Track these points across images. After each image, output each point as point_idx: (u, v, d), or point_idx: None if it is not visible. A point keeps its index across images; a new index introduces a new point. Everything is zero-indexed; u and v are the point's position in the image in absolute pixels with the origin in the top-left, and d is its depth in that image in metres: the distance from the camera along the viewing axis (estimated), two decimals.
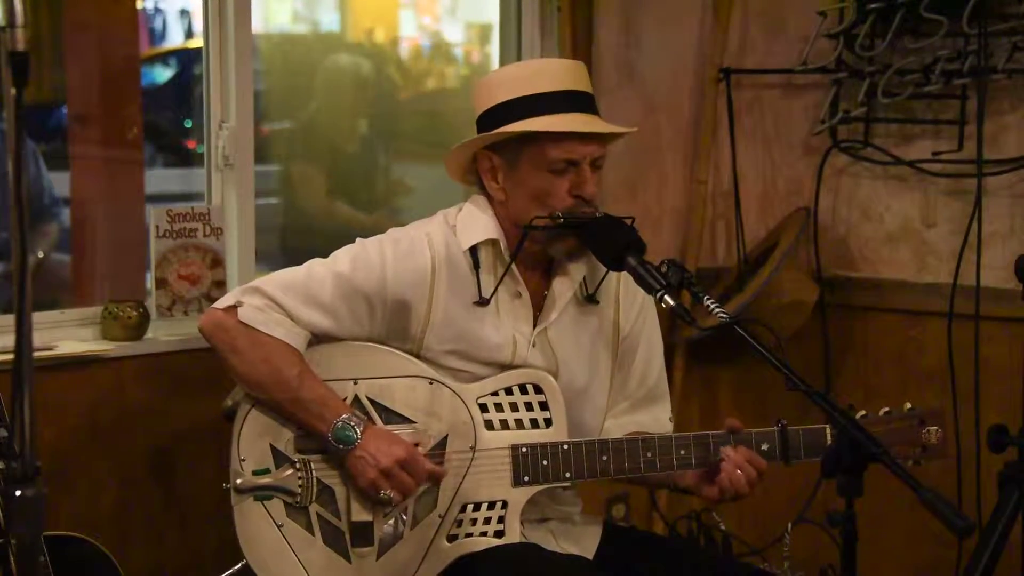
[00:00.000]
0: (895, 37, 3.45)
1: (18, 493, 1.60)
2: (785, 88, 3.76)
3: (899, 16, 3.41)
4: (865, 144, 3.61)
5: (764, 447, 2.41)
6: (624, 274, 2.42)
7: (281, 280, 2.43)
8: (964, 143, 3.46)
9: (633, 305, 2.55)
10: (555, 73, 2.44)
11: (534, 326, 2.47)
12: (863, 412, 2.42)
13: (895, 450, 2.38)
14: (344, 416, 2.36)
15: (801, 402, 2.25)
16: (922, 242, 3.59)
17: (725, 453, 2.38)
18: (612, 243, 2.37)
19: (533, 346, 2.46)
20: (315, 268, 2.44)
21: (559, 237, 2.42)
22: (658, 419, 2.59)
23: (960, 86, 3.43)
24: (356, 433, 2.35)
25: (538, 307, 2.49)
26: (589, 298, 2.51)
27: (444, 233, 2.46)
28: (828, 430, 2.40)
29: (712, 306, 2.26)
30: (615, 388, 2.57)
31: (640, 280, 2.32)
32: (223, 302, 2.43)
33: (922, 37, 3.43)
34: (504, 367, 2.44)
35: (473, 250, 2.45)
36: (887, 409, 2.44)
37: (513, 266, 2.44)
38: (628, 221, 2.40)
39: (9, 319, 2.71)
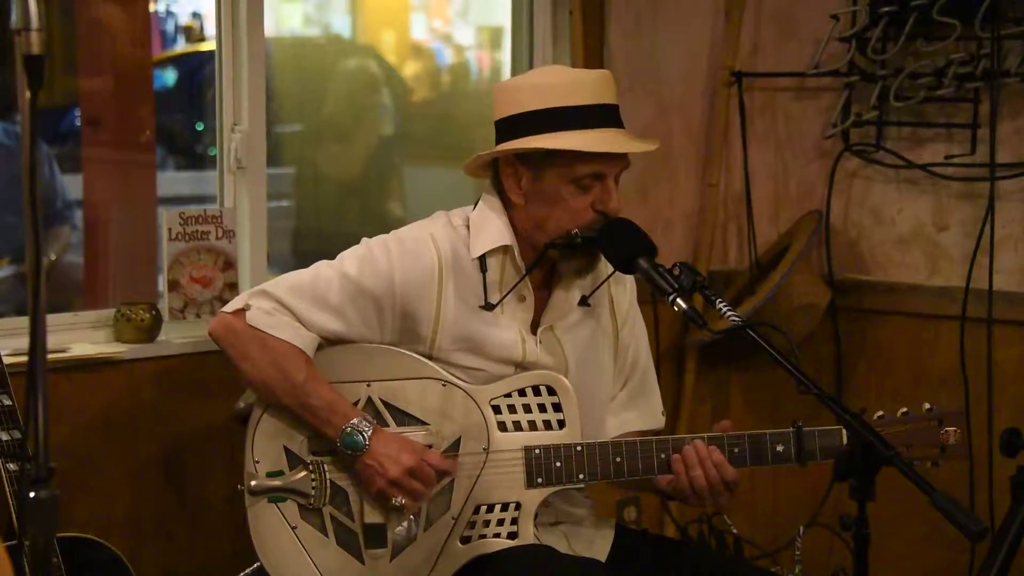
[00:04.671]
0: (907, 40, 3.44)
1: (32, 495, 1.60)
2: (797, 91, 3.75)
3: (912, 19, 3.41)
4: (877, 147, 3.60)
5: (779, 448, 2.40)
6: (613, 272, 2.43)
7: (289, 283, 2.43)
8: (977, 146, 3.46)
9: (624, 302, 2.57)
10: (585, 85, 2.42)
11: (537, 327, 2.48)
12: (880, 413, 2.41)
13: (913, 451, 2.38)
14: (353, 421, 2.36)
15: (813, 405, 2.25)
16: (934, 245, 3.59)
17: (688, 447, 2.37)
18: (624, 246, 2.37)
19: (540, 344, 2.46)
20: (322, 270, 2.44)
21: (573, 255, 2.42)
22: (653, 412, 2.61)
23: (973, 89, 3.43)
24: (364, 438, 2.35)
25: (540, 309, 2.49)
26: (584, 301, 2.51)
27: (449, 235, 2.46)
28: (843, 431, 2.39)
29: (724, 309, 2.25)
30: (613, 379, 2.58)
31: (652, 283, 2.32)
32: (232, 306, 2.44)
33: (935, 40, 3.42)
34: (516, 364, 2.45)
35: (482, 256, 2.45)
36: (905, 410, 2.42)
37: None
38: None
39: (23, 321, 2.73)
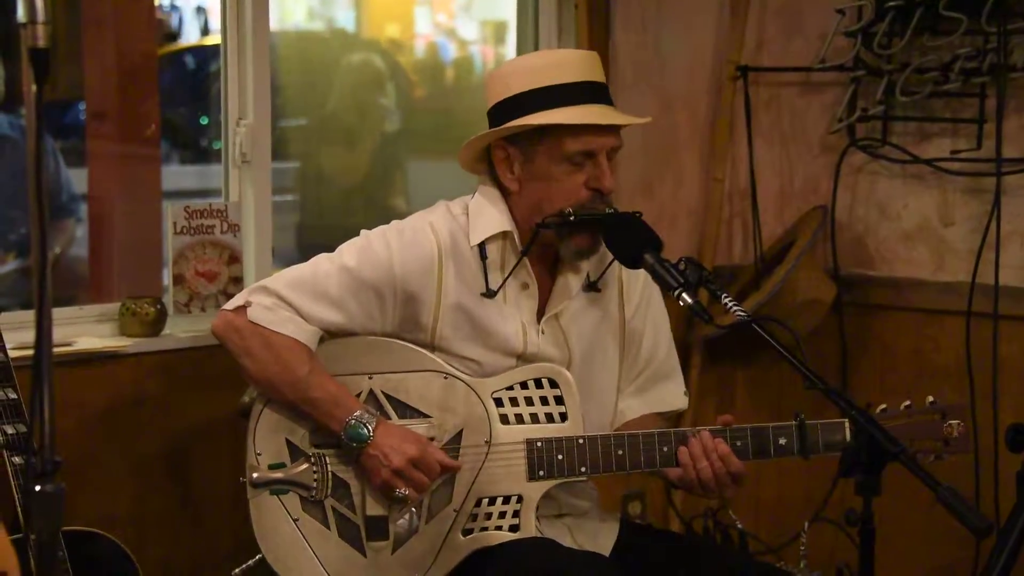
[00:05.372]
0: (914, 35, 3.43)
1: (37, 488, 1.60)
2: (802, 86, 3.75)
3: (918, 14, 3.40)
4: (883, 142, 3.59)
5: (782, 441, 2.40)
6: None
7: (288, 278, 2.43)
8: (983, 141, 3.45)
9: (635, 289, 2.56)
10: (571, 64, 2.44)
11: (540, 315, 2.47)
12: (883, 406, 2.40)
13: (917, 445, 2.37)
14: (356, 413, 2.36)
15: (818, 400, 2.24)
16: (940, 241, 3.58)
17: (694, 440, 2.37)
18: (630, 240, 2.37)
19: (542, 333, 2.46)
20: (321, 264, 2.44)
21: (571, 235, 2.42)
22: (670, 396, 2.61)
23: (979, 84, 3.42)
24: (368, 430, 2.35)
25: (544, 298, 2.49)
26: (593, 286, 2.51)
27: (448, 223, 2.46)
28: (847, 424, 2.39)
29: (730, 304, 2.25)
30: (624, 369, 2.57)
31: (658, 278, 2.32)
32: (232, 303, 2.44)
33: (941, 35, 3.41)
34: (518, 355, 2.45)
35: (481, 243, 2.45)
36: (908, 403, 2.42)
37: (524, 259, 2.44)
38: (636, 215, 2.41)
39: (28, 315, 2.73)
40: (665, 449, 2.40)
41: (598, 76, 2.45)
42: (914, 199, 3.61)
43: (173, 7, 6.01)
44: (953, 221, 3.56)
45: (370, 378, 2.43)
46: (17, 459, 2.44)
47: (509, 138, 2.43)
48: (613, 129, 2.41)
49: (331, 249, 2.49)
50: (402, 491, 2.36)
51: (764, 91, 3.78)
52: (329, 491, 2.41)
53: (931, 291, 3.57)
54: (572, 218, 2.39)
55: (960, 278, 3.51)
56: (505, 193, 2.47)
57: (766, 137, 3.79)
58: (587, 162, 2.39)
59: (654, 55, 3.73)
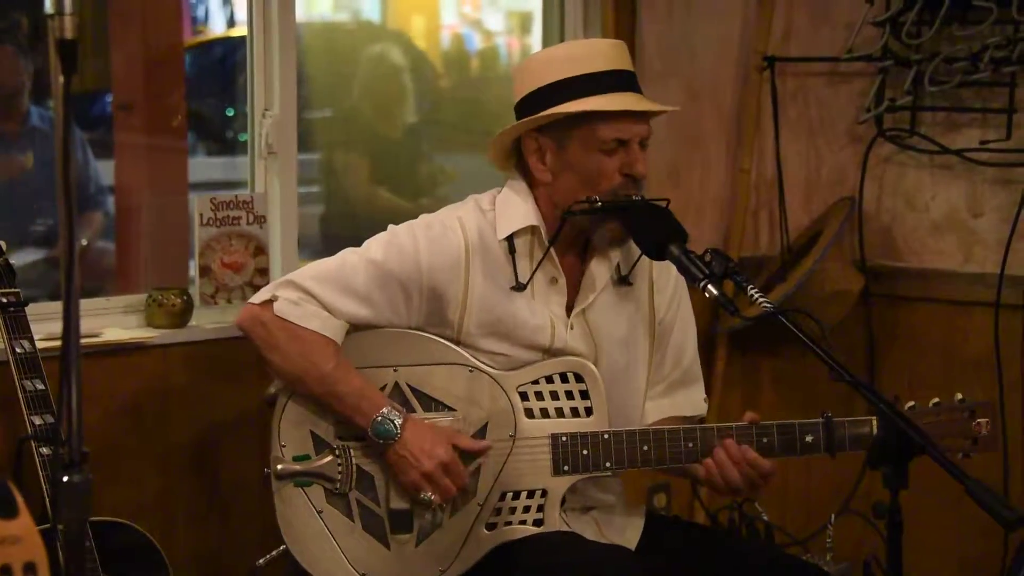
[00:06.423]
0: (943, 24, 3.41)
1: (65, 479, 1.61)
2: (830, 76, 3.73)
3: (947, 3, 3.37)
4: (911, 133, 3.57)
5: (808, 439, 2.38)
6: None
7: (315, 272, 2.43)
8: (1013, 131, 3.42)
9: (667, 286, 2.55)
10: (600, 53, 2.44)
11: (570, 310, 2.47)
12: (911, 403, 2.39)
13: (945, 442, 2.36)
14: (384, 410, 2.36)
15: (845, 393, 2.23)
16: (969, 232, 3.56)
17: (718, 449, 2.37)
18: (655, 232, 2.36)
19: (571, 328, 2.46)
20: (348, 257, 2.44)
21: (602, 222, 2.41)
22: (694, 401, 2.60)
23: (1009, 74, 3.39)
24: (395, 427, 2.35)
25: (573, 291, 2.48)
26: (623, 280, 2.50)
27: (476, 218, 2.46)
28: (874, 422, 2.37)
29: (756, 296, 2.24)
30: (653, 366, 2.56)
31: (683, 269, 2.31)
32: (259, 297, 2.44)
33: (970, 24, 3.39)
34: (544, 350, 2.44)
35: (509, 237, 2.44)
36: (936, 400, 2.41)
37: (551, 251, 2.44)
38: (663, 203, 2.40)
39: (56, 306, 2.74)
40: (691, 445, 2.39)
41: (627, 65, 2.45)
42: (942, 190, 3.59)
43: None
44: (982, 212, 3.54)
45: (395, 371, 2.43)
46: (45, 450, 2.46)
47: (540, 128, 2.42)
48: (645, 117, 2.41)
49: (356, 241, 2.49)
50: (428, 495, 2.37)
51: (791, 81, 3.76)
52: (353, 484, 2.41)
53: (960, 282, 3.55)
54: (599, 204, 2.38)
55: (989, 269, 3.49)
56: (533, 186, 2.46)
57: (793, 127, 3.77)
58: (620, 149, 2.39)
59: (681, 45, 3.72)
